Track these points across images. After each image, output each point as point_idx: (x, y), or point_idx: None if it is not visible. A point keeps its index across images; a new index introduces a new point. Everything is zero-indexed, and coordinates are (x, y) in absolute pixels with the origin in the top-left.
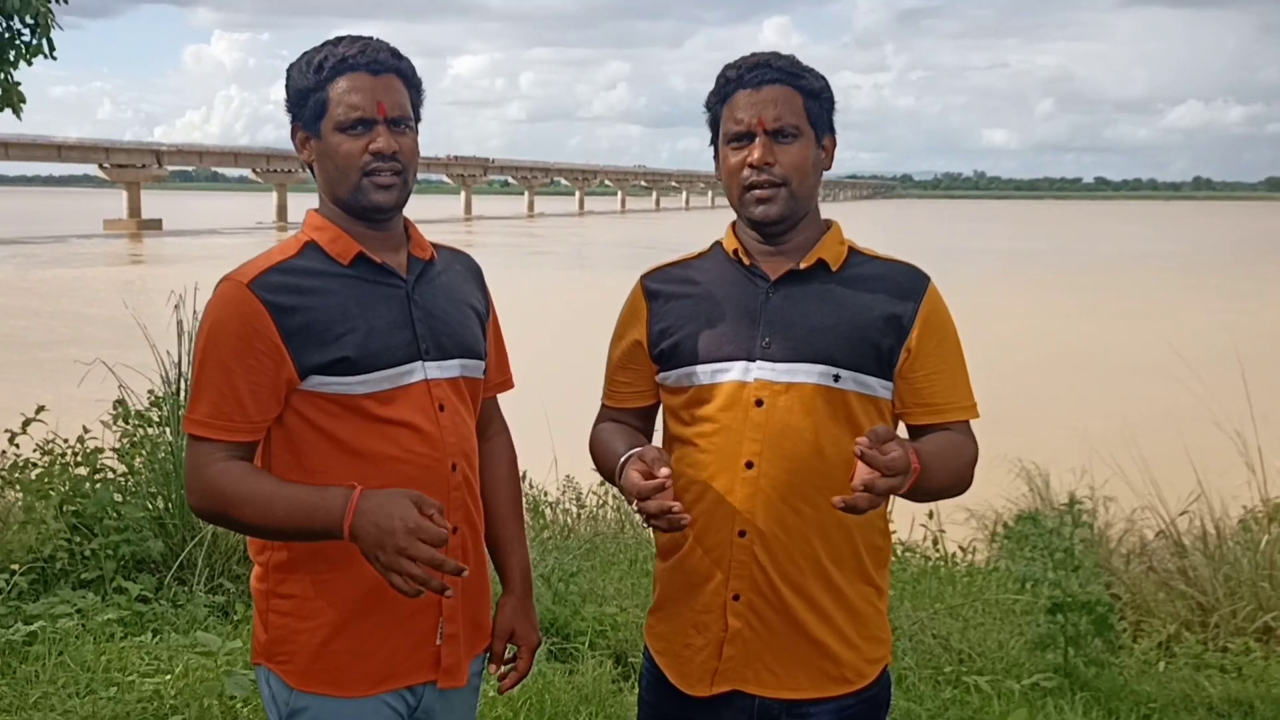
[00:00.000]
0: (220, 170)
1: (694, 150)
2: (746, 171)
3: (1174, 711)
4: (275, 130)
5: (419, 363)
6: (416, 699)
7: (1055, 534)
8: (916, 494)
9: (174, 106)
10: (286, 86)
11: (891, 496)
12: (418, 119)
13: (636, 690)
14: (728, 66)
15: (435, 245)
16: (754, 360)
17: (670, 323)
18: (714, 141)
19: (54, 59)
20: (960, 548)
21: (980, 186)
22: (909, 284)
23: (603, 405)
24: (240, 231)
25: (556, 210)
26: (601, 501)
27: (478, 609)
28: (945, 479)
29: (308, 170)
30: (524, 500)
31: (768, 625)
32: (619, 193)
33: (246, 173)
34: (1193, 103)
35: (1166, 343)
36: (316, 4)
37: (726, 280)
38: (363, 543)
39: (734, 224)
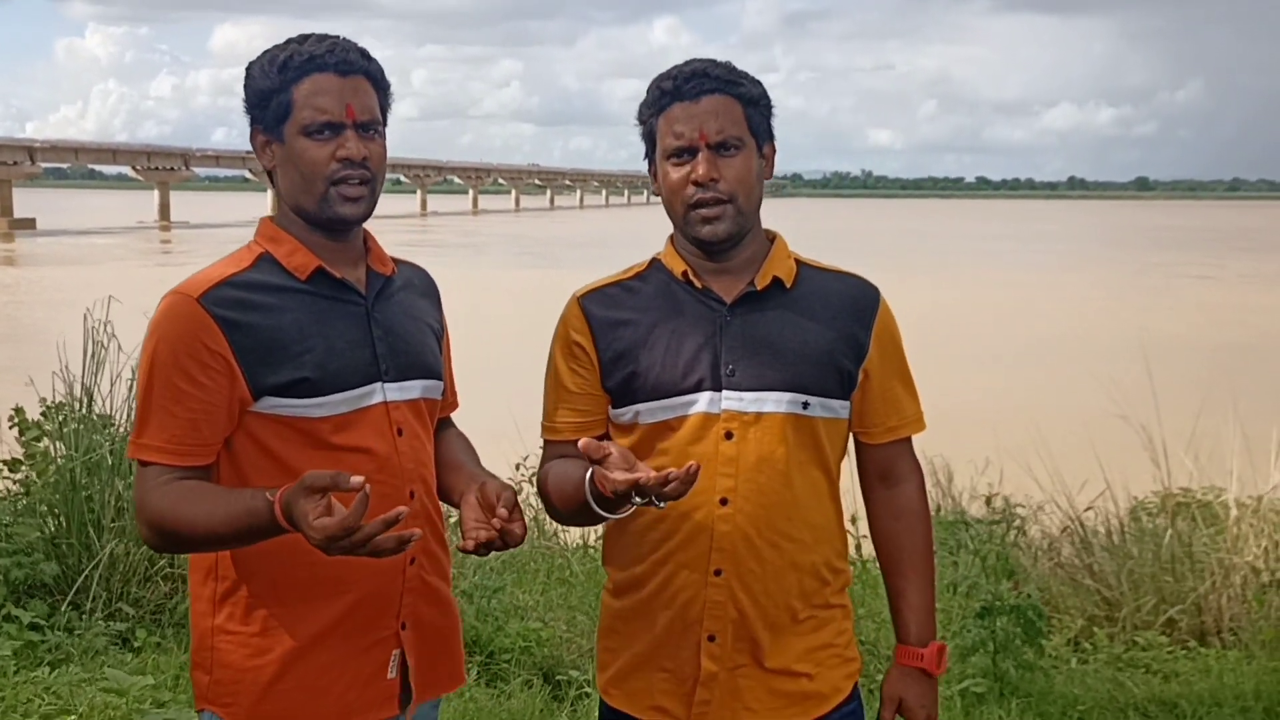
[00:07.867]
0: (97, 168)
1: (586, 149)
2: (690, 189)
3: (1101, 713)
4: (157, 126)
5: (378, 384)
6: None
7: (987, 538)
8: None
9: (46, 101)
10: (245, 86)
11: (854, 510)
12: (385, 124)
13: (571, 711)
14: (661, 77)
15: (395, 260)
16: (720, 390)
17: (622, 352)
18: (649, 155)
19: None
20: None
21: (868, 186)
22: (862, 300)
23: (546, 443)
24: (120, 231)
25: (450, 209)
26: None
27: (440, 647)
28: (933, 586)
29: (266, 176)
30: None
31: (742, 663)
32: (513, 191)
33: (126, 170)
34: (1065, 105)
35: (1073, 336)
36: None
37: (678, 304)
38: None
39: (672, 239)
